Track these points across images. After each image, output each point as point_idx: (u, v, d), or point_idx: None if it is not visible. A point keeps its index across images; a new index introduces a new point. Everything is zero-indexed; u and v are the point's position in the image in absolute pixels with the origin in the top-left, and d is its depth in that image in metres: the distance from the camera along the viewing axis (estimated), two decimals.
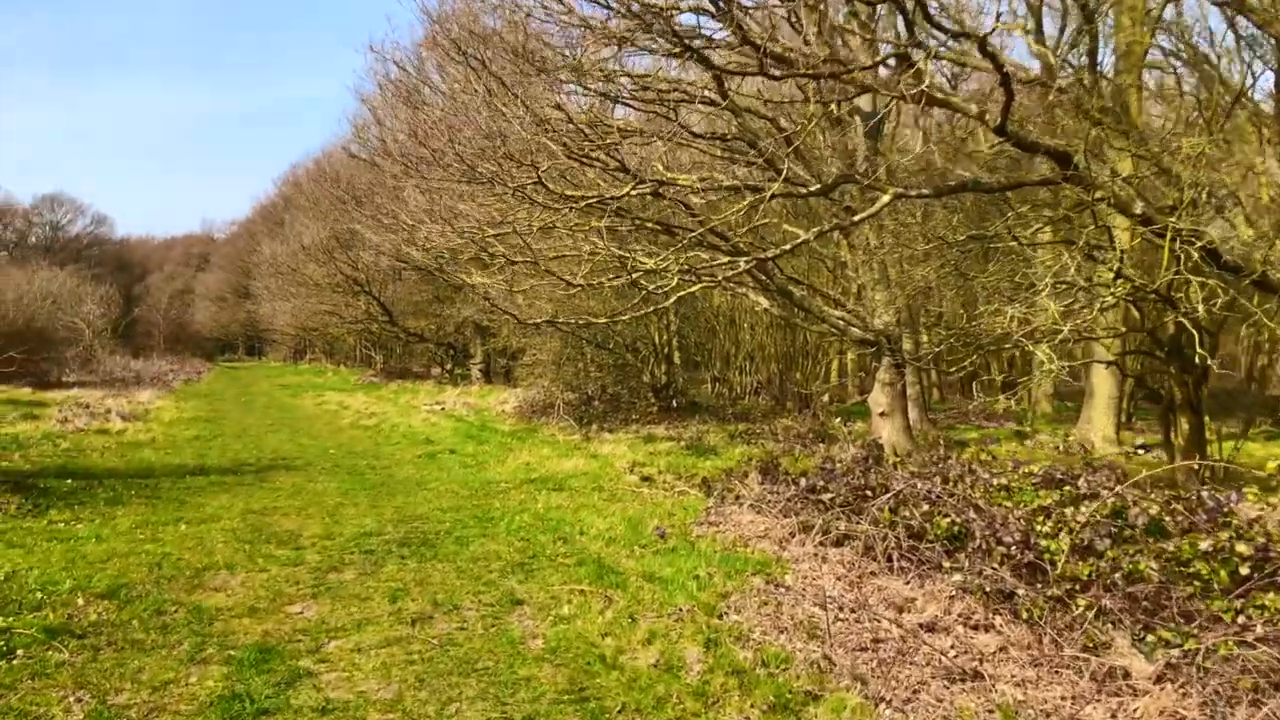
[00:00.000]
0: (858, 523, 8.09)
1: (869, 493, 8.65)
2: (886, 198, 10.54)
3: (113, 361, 43.65)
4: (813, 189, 10.42)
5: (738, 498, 10.44)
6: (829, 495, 8.68)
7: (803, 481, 10.06)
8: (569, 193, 10.13)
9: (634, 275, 10.03)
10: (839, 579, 7.35)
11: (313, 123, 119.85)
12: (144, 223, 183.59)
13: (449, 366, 42.49)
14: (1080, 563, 6.18)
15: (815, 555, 7.98)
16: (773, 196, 10.31)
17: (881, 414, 16.88)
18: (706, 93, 14.05)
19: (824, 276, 22.66)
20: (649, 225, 14.21)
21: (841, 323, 16.50)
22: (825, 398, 26.40)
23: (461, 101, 10.49)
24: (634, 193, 10.15)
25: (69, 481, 12.14)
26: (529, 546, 8.42)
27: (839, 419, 22.83)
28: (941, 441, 18.23)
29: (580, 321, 13.66)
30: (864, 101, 16.71)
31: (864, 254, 16.71)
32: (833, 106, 16.30)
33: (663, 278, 10.34)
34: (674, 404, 23.98)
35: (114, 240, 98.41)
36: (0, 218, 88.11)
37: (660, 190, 12.32)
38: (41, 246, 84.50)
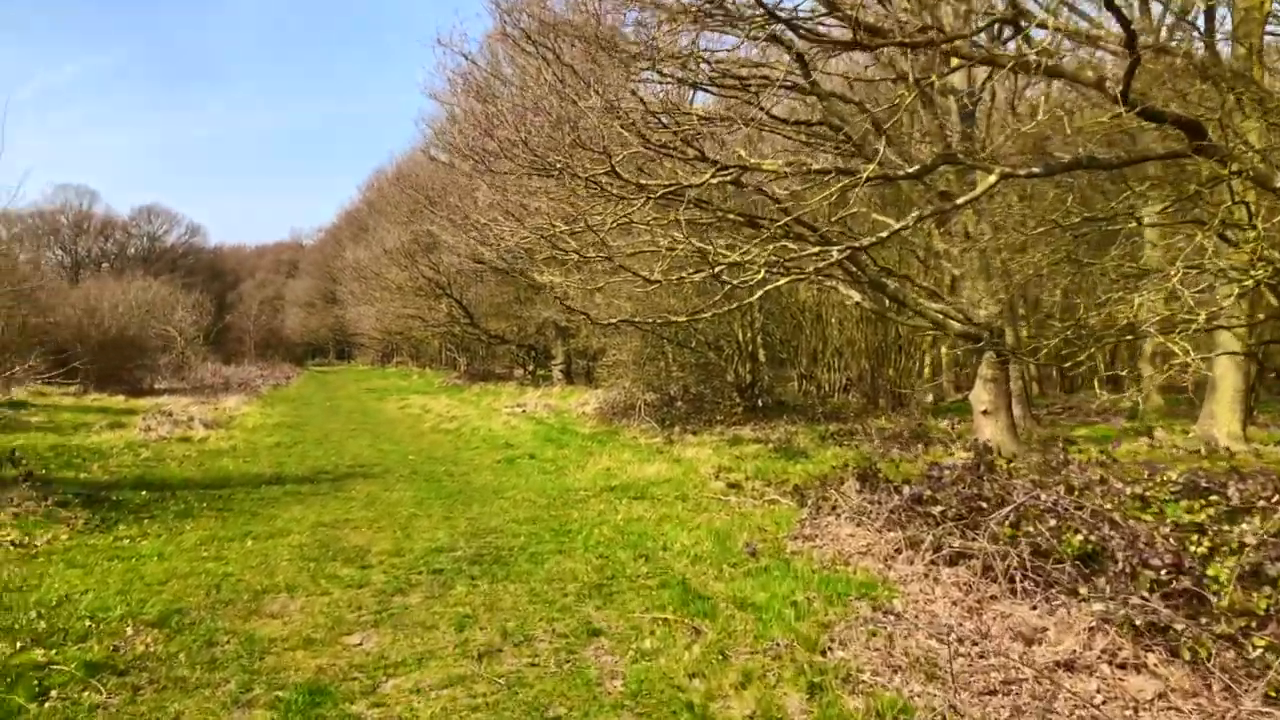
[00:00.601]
0: (973, 538, 7.23)
1: (983, 504, 7.77)
2: (993, 178, 9.63)
3: (204, 368, 44.59)
4: (911, 170, 9.55)
5: (835, 508, 9.64)
6: (940, 508, 7.82)
7: (906, 490, 9.20)
8: (644, 181, 9.46)
9: (717, 269, 9.30)
10: (955, 604, 6.52)
11: (401, 130, 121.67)
12: (236, 233, 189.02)
13: (530, 368, 42.28)
14: (1250, 592, 5.26)
15: (926, 575, 7.15)
16: (867, 180, 9.48)
17: (984, 412, 15.86)
18: (790, 76, 13.27)
19: (914, 268, 21.60)
20: (730, 217, 13.47)
21: (940, 316, 15.52)
22: (929, 396, 25.30)
23: (531, 92, 9.92)
24: (715, 180, 9.42)
25: (143, 493, 11.93)
26: (608, 565, 7.77)
27: (936, 417, 21.77)
28: (1049, 442, 17.10)
29: (660, 320, 12.96)
30: (958, 79, 15.70)
31: (962, 242, 15.70)
32: (926, 83, 15.32)
33: (747, 271, 9.59)
34: (760, 404, 23.17)
35: (208, 249, 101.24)
36: (101, 231, 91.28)
37: (742, 179, 11.59)
38: (140, 257, 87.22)
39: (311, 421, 24.58)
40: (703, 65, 13.24)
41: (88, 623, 6.24)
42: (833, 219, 15.43)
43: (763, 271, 9.49)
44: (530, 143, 9.01)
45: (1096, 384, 24.44)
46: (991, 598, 6.52)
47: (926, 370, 31.85)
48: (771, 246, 9.69)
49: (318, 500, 11.73)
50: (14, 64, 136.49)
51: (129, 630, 6.13)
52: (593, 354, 35.81)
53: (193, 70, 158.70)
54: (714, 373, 23.57)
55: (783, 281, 10.23)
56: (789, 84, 14.20)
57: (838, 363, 31.24)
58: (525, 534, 9.20)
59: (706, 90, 13.64)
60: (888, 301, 15.80)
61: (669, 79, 12.52)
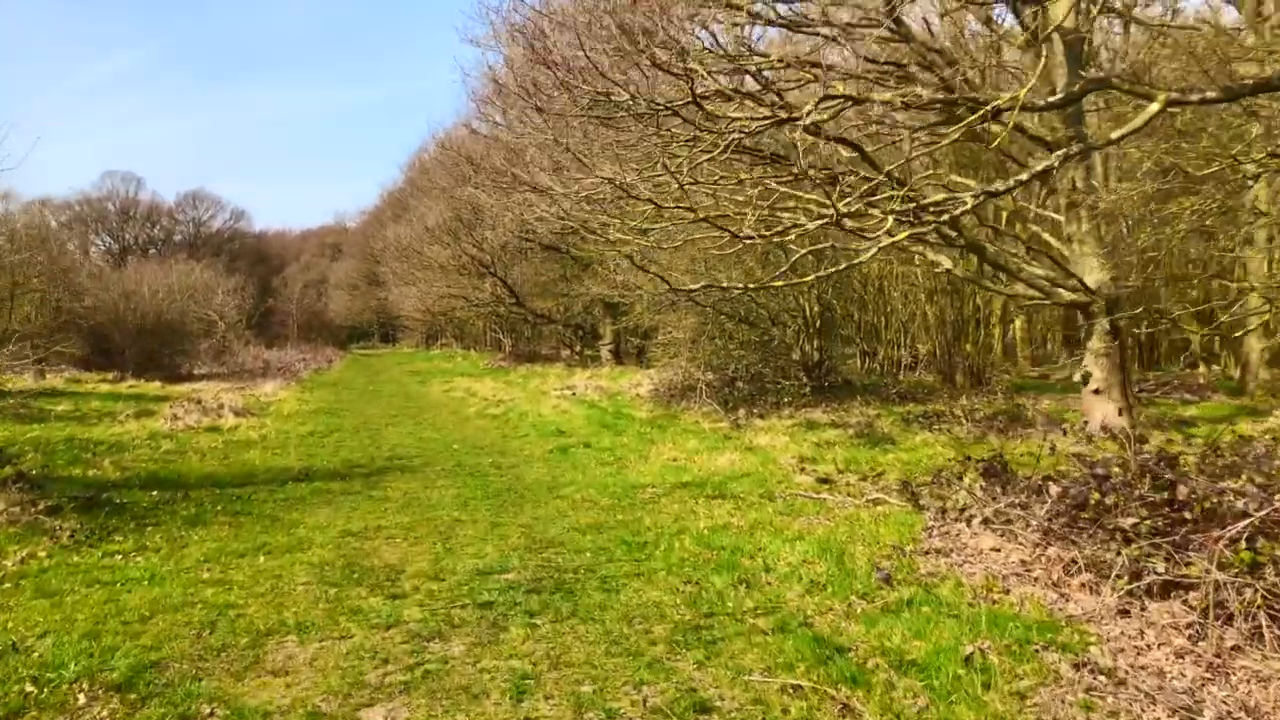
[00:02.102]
0: (1186, 561, 5.50)
1: (1184, 513, 6.02)
2: (1155, 105, 7.81)
3: (246, 353, 43.64)
4: (1055, 99, 7.79)
5: (963, 511, 7.93)
6: (1129, 519, 6.06)
7: (1054, 489, 7.48)
8: (734, 114, 7.78)
9: (841, 219, 7.55)
10: (1181, 656, 4.82)
11: (441, 107, 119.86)
12: (281, 218, 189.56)
13: (578, 348, 40.80)
14: None
15: (1125, 612, 5.44)
16: (997, 112, 7.73)
17: (1096, 391, 14.01)
18: (874, 14, 11.49)
19: (1017, 226, 19.66)
20: (811, 174, 11.73)
21: (1046, 283, 13.67)
22: (1007, 372, 23.35)
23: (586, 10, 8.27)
24: (818, 115, 7.69)
25: (153, 494, 10.53)
26: (700, 594, 6.13)
27: (1019, 396, 19.88)
28: (1160, 423, 15.20)
29: (738, 289, 11.29)
30: (1060, 9, 13.60)
31: (1068, 198, 13.80)
32: (1026, 17, 13.41)
33: (865, 223, 7.87)
34: (826, 383, 21.39)
35: (252, 234, 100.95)
36: (148, 217, 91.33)
37: (831, 122, 9.86)
38: (185, 243, 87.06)
39: (350, 407, 23.22)
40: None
41: (28, 686, 4.74)
42: (922, 176, 13.65)
43: (891, 222, 7.75)
44: (595, 60, 7.34)
45: (1199, 356, 22.20)
46: (1234, 649, 4.80)
47: (997, 347, 29.77)
48: (898, 199, 7.95)
49: (348, 501, 10.23)
50: (64, 55, 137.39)
51: (81, 699, 4.62)
52: (644, 332, 34.21)
53: (236, 59, 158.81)
54: (778, 351, 21.80)
55: (902, 235, 8.45)
56: (872, 21, 12.41)
57: (903, 338, 29.39)
58: (590, 547, 7.59)
59: (782, 25, 11.91)
60: (988, 267, 13.99)
61: (743, 15, 10.81)
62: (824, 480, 10.72)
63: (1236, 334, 20.46)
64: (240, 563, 7.43)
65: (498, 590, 6.36)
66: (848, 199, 7.97)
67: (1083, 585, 5.89)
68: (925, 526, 7.77)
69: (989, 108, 7.49)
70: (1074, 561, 6.11)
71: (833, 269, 10.04)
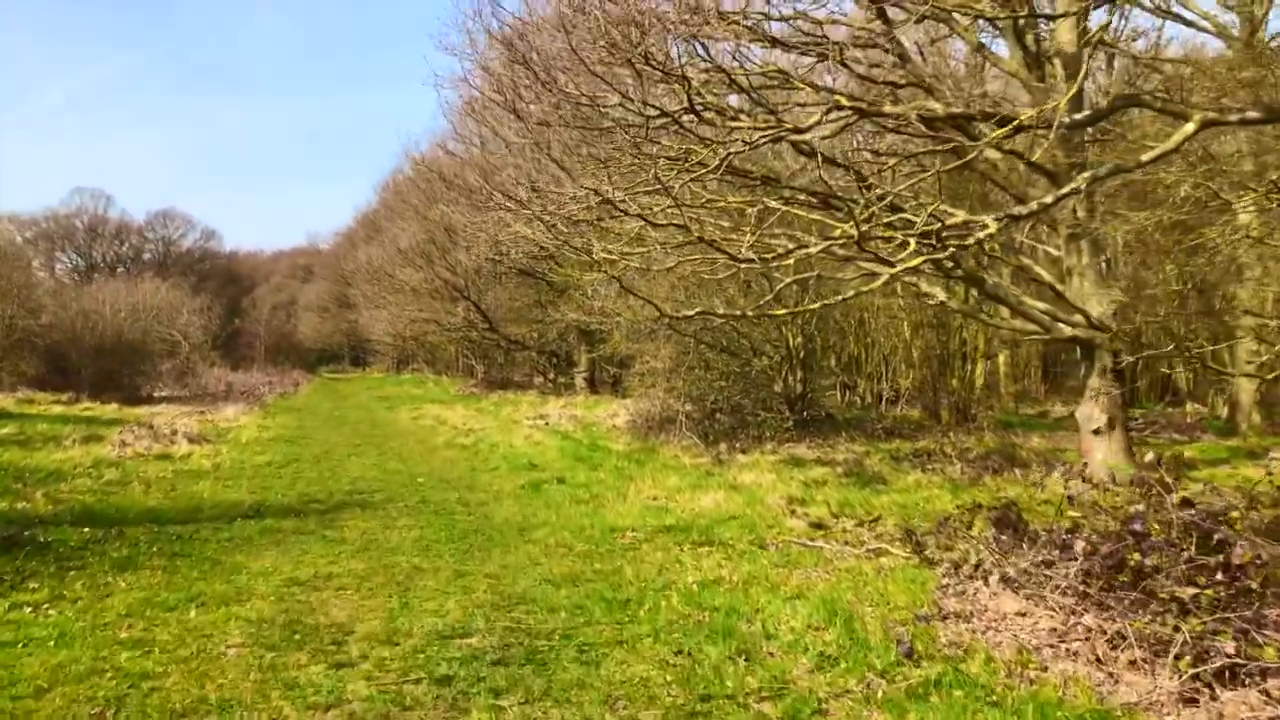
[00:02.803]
0: (1258, 641, 4.76)
1: (1243, 579, 5.29)
2: (1191, 126, 7.18)
3: (210, 374, 42.37)
4: (1082, 116, 7.15)
5: (978, 567, 7.17)
6: (1189, 589, 5.31)
7: (1078, 545, 6.74)
8: (734, 124, 7.05)
9: (862, 239, 6.81)
10: None
11: (417, 127, 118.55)
12: (252, 239, 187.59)
13: (551, 375, 39.97)
14: None
15: (1184, 698, 4.69)
16: (1018, 130, 7.07)
17: (1096, 431, 13.38)
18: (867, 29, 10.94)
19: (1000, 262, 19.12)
20: (801, 198, 11.06)
21: (1046, 317, 13.05)
22: (991, 408, 22.76)
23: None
24: (827, 123, 7.00)
25: (84, 531, 9.57)
26: (694, 669, 5.31)
27: (1007, 432, 19.26)
28: (1160, 465, 14.59)
29: (736, 316, 10.55)
30: (1064, 32, 13.02)
31: (1069, 229, 13.21)
32: (1029, 40, 12.88)
33: (884, 247, 7.13)
34: (808, 417, 20.69)
35: (223, 254, 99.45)
36: (116, 235, 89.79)
37: (825, 144, 9.20)
38: (155, 262, 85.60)
39: (313, 435, 22.23)
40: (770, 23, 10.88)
41: None
42: (912, 204, 13.04)
43: (913, 246, 7.03)
44: (581, 58, 6.57)
45: (1186, 394, 21.72)
46: None
47: (978, 380, 29.26)
48: (922, 220, 7.25)
49: (299, 543, 9.33)
50: (38, 68, 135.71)
51: None
52: (620, 361, 33.44)
53: (209, 76, 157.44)
54: (759, 382, 21.07)
55: (917, 261, 7.74)
56: (868, 42, 11.83)
57: (885, 371, 28.82)
58: (566, 604, 6.75)
59: (778, 44, 11.26)
60: (988, 300, 13.36)
61: (730, 34, 10.14)
62: (818, 526, 9.94)
63: (1229, 373, 19.95)
64: (167, 618, 6.53)
65: (459, 660, 5.49)
66: (861, 222, 7.26)
67: (1132, 664, 5.13)
68: (939, 585, 7.00)
69: (1016, 122, 6.82)
70: (1119, 634, 5.35)
71: (839, 297, 9.29)
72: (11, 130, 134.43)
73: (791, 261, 7.73)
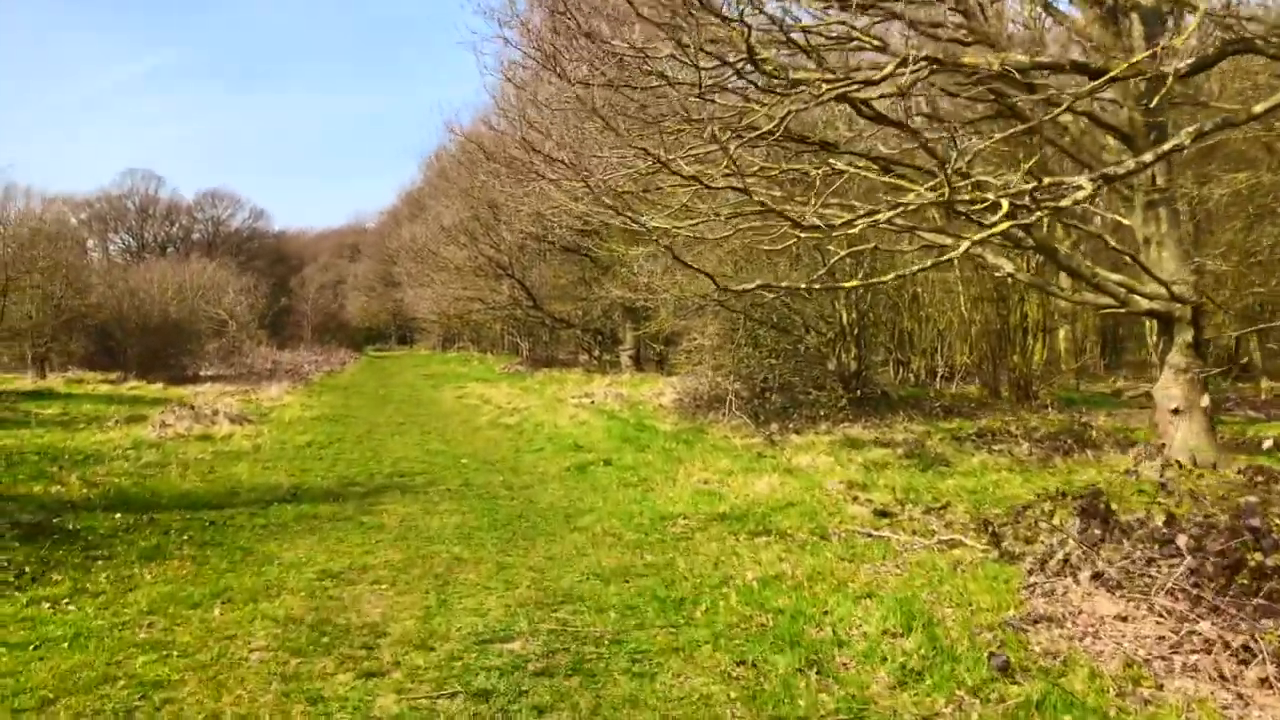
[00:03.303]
0: None
1: None
2: None
3: (257, 353, 42.53)
4: (1185, 65, 6.38)
5: (1066, 563, 6.53)
6: None
7: (1181, 540, 6.07)
8: (800, 78, 6.40)
9: (953, 200, 6.14)
10: None
11: (460, 103, 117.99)
12: (301, 219, 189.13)
13: (596, 353, 39.48)
14: None
15: None
16: (1111, 81, 6.33)
17: (1175, 410, 12.55)
18: None
19: (1057, 231, 18.22)
20: (859, 166, 10.34)
21: (1121, 289, 12.24)
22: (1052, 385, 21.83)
23: None
24: (899, 80, 6.32)
25: (116, 517, 9.23)
26: (760, 683, 4.75)
27: (1070, 411, 18.41)
28: (1242, 446, 13.76)
29: (800, 289, 9.92)
30: None
31: (1147, 195, 12.35)
32: None
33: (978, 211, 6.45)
34: (863, 395, 19.94)
35: (271, 234, 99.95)
36: (167, 215, 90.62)
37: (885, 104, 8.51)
38: (204, 241, 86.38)
39: (357, 414, 21.95)
40: None
41: None
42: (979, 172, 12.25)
43: (1007, 207, 6.35)
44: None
45: (1259, 369, 20.77)
46: None
47: (1037, 357, 28.27)
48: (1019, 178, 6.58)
49: (335, 530, 8.91)
50: (95, 56, 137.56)
51: None
52: (666, 338, 32.86)
53: (264, 61, 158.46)
54: (811, 360, 20.38)
55: (1004, 226, 7.06)
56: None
57: (940, 347, 27.96)
58: (616, 603, 6.21)
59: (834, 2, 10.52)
60: (1063, 272, 12.58)
61: None
62: (883, 513, 9.31)
63: None
64: (190, 616, 6.10)
65: (499, 669, 4.98)
66: (951, 181, 6.58)
67: (1264, 682, 4.48)
68: (1024, 583, 6.36)
69: (1112, 74, 6.10)
70: (1245, 647, 4.70)
71: (915, 267, 8.59)
72: (68, 114, 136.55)
73: (858, 228, 7.08)
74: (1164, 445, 12.58)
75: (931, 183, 7.04)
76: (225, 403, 19.93)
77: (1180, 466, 11.34)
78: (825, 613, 5.82)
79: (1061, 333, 28.84)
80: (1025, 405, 19.89)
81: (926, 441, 14.42)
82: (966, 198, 6.52)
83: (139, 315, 30.65)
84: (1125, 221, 13.06)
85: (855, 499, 10.10)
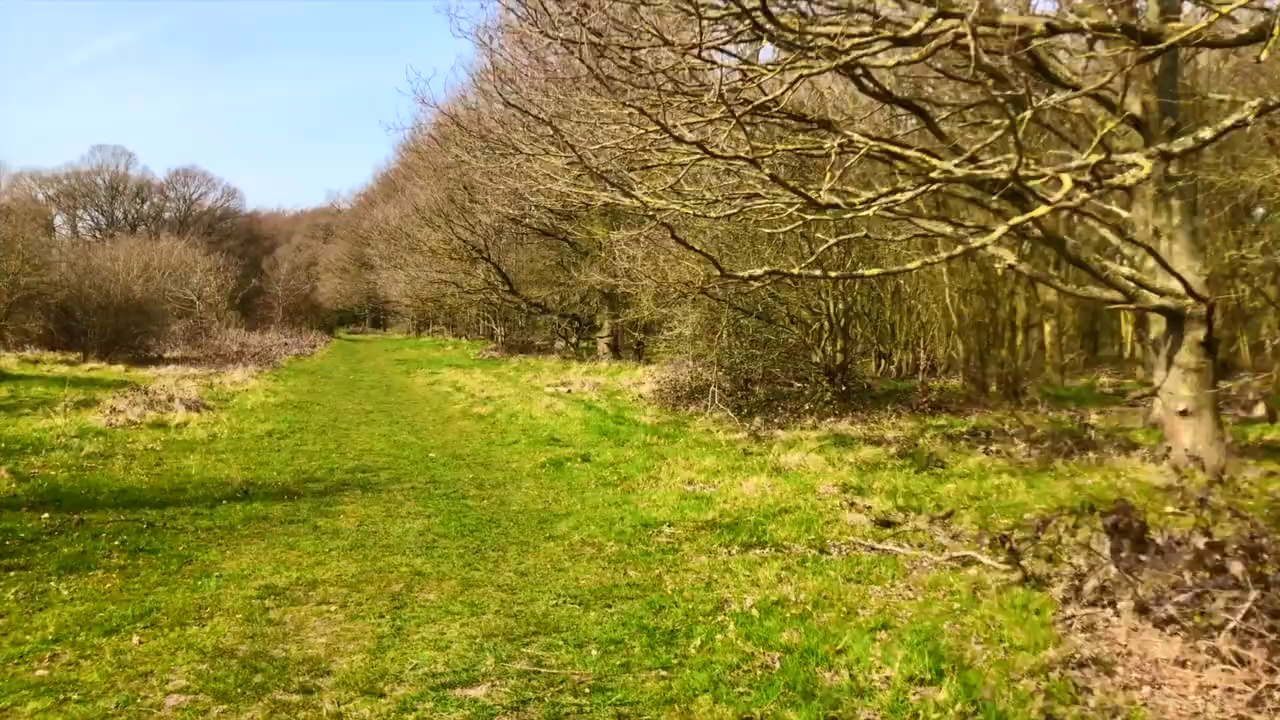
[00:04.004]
0: None
1: None
2: None
3: (225, 335, 41.30)
4: (1243, 34, 5.65)
5: (1104, 591, 5.81)
6: None
7: (1236, 568, 5.38)
8: (819, 29, 5.61)
9: (1016, 175, 5.31)
10: None
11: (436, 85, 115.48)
12: (275, 199, 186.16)
13: (573, 340, 38.65)
14: None
15: None
16: (1172, 44, 5.59)
17: (1183, 412, 11.94)
18: None
19: (1053, 224, 17.57)
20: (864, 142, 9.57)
21: (1130, 284, 11.57)
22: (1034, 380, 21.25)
23: None
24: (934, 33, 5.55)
25: (44, 517, 8.35)
26: None
27: (1061, 408, 17.82)
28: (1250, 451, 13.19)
29: (816, 275, 9.16)
30: None
31: (1158, 186, 11.67)
32: None
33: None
34: (847, 389, 19.22)
35: (244, 214, 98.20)
36: (137, 193, 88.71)
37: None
38: (176, 220, 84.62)
39: (323, 400, 21.03)
40: None
41: None
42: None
43: (1069, 183, 5.58)
44: None
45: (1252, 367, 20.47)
46: None
47: (1018, 351, 27.75)
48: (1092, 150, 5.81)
49: (286, 534, 8.08)
50: (64, 31, 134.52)
51: None
52: (644, 326, 32.10)
53: (232, 39, 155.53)
54: (795, 351, 19.67)
55: (1085, 197, 6.32)
56: None
57: (922, 340, 27.36)
58: (598, 635, 5.43)
59: None
60: (1071, 265, 11.89)
61: None
62: (885, 523, 8.58)
63: None
64: (103, 645, 5.27)
65: None
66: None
67: None
68: (1058, 613, 5.64)
69: (1182, 34, 5.35)
70: None
71: (947, 254, 7.81)
72: (33, 91, 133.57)
73: (873, 209, 6.31)
74: (1170, 449, 11.96)
75: (957, 160, 6.28)
76: (184, 387, 18.95)
77: (1211, 475, 10.73)
78: (838, 651, 5.06)
79: (1047, 327, 28.31)
80: (1014, 402, 19.28)
81: (919, 440, 13.73)
82: (1030, 173, 5.77)
83: (100, 294, 29.47)
84: (1125, 214, 12.41)
85: (852, 505, 9.38)
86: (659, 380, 21.12)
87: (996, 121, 12.13)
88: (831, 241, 13.12)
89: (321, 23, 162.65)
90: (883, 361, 26.67)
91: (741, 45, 8.59)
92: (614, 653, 5.12)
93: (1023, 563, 6.80)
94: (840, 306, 18.89)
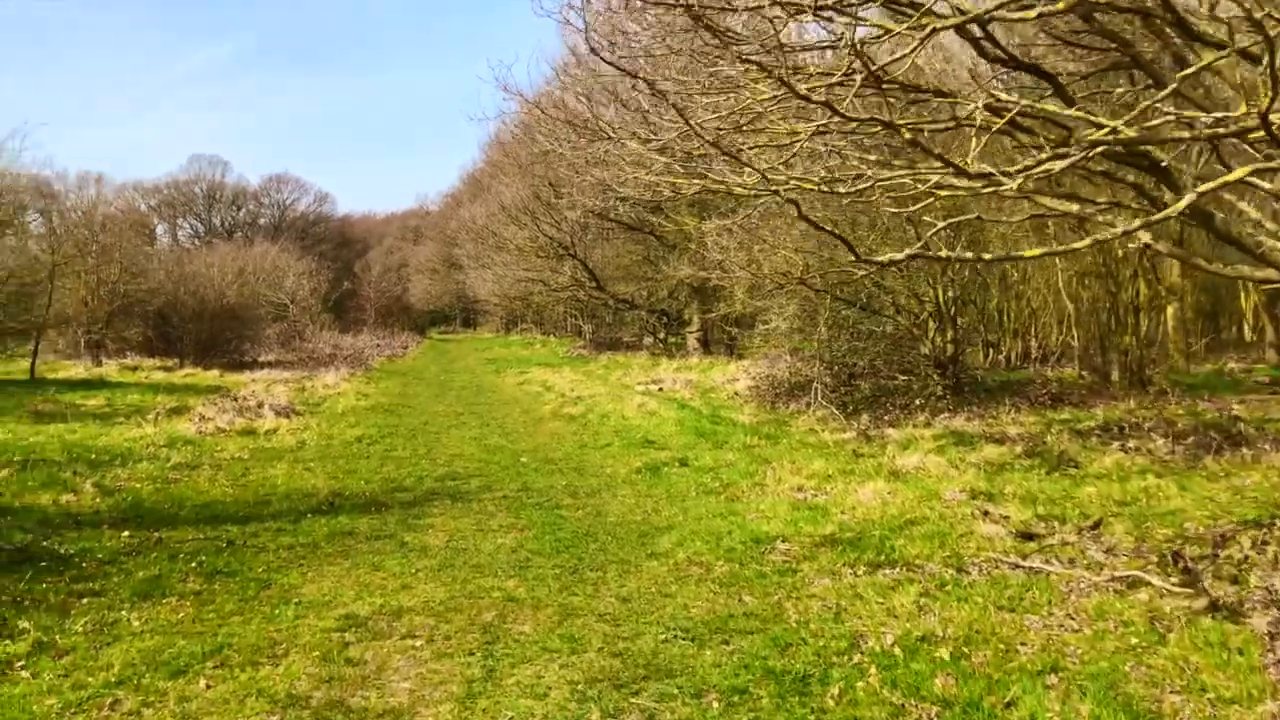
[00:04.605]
0: None
1: None
2: None
3: (319, 338, 41.74)
4: None
5: None
6: None
7: None
8: None
9: (1267, 122, 4.40)
10: None
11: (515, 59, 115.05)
12: (367, 203, 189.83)
13: (661, 335, 37.95)
14: None
15: None
16: None
17: None
18: None
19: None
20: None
21: None
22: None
23: None
24: None
25: (123, 535, 7.98)
26: None
27: (1189, 396, 16.43)
28: None
29: (967, 259, 8.28)
30: None
31: None
32: None
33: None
34: (958, 381, 18.10)
35: (336, 218, 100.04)
36: (233, 200, 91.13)
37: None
38: (270, 226, 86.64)
39: (414, 402, 20.74)
40: None
41: None
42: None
43: None
44: None
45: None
46: None
47: (1129, 339, 26.00)
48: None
49: (372, 553, 7.55)
50: (164, 46, 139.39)
51: None
52: (735, 320, 31.24)
53: (324, 49, 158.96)
54: (901, 343, 18.62)
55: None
56: None
57: (1033, 327, 25.95)
58: (718, 683, 4.67)
59: None
60: (1225, 242, 10.70)
61: None
62: (1026, 535, 7.66)
63: None
64: (168, 690, 4.74)
65: None
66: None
67: None
68: (1267, 655, 4.70)
69: None
70: None
71: (1122, 229, 6.84)
72: (133, 106, 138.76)
73: (1017, 185, 5.41)
74: None
75: (1127, 118, 5.35)
76: (274, 392, 18.82)
77: None
78: (1007, 704, 4.24)
79: (1169, 310, 26.55)
80: (1140, 391, 17.93)
81: (1046, 437, 12.65)
82: (1249, 124, 4.84)
83: (195, 300, 29.88)
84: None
85: (985, 514, 8.45)
86: (754, 376, 20.27)
87: (1121, 89, 11.06)
88: (941, 225, 12.14)
89: (407, 28, 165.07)
90: (990, 350, 25.35)
91: (845, 13, 7.78)
92: (739, 705, 4.38)
93: (1203, 585, 5.84)
94: (950, 294, 17.79)
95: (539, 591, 6.38)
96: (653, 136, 8.97)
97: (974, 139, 4.89)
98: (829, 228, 18.40)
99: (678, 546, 7.55)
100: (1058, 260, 21.67)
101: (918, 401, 16.02)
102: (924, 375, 17.90)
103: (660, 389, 21.65)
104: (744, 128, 6.66)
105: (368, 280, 76.20)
